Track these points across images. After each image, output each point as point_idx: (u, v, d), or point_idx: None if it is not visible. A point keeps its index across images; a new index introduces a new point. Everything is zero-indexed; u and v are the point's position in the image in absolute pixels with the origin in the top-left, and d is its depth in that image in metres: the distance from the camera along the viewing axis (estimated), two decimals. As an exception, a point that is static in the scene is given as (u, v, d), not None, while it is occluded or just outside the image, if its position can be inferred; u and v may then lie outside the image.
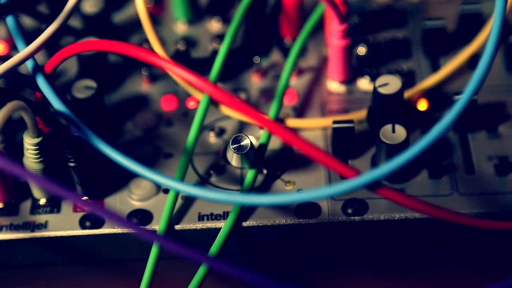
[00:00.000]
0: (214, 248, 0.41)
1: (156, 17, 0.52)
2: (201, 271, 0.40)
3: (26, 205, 0.44)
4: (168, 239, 0.38)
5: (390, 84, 0.44)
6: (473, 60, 0.48)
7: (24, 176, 0.34)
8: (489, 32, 0.37)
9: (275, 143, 0.45)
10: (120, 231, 0.43)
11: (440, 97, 0.47)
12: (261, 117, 0.37)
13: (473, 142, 0.45)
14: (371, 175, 0.35)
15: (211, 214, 0.43)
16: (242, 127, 0.47)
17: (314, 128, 0.46)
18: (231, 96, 0.38)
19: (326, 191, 0.35)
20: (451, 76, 0.47)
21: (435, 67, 0.49)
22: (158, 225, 0.42)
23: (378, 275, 0.46)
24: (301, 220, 0.42)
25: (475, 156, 0.44)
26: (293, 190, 0.44)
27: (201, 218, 0.43)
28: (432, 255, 0.45)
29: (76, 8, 0.43)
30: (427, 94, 0.47)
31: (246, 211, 0.43)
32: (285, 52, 0.50)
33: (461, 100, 0.35)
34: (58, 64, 0.41)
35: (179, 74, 0.38)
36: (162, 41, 0.48)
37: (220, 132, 0.46)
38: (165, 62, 0.38)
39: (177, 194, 0.42)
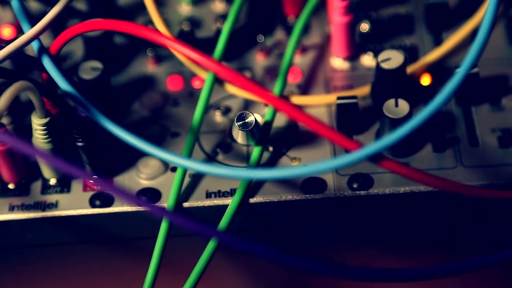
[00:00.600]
0: (222, 224, 0.41)
1: (160, -1, 0.53)
2: (210, 246, 0.40)
3: (37, 185, 0.45)
4: (178, 215, 0.38)
5: (392, 59, 0.44)
6: (475, 34, 0.48)
7: (34, 155, 0.35)
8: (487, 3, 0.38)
9: (280, 120, 0.46)
10: (130, 209, 0.43)
11: (443, 71, 0.47)
12: (266, 94, 0.38)
13: (476, 115, 0.45)
14: (374, 146, 0.35)
15: (219, 191, 0.44)
16: (247, 105, 0.47)
17: (319, 105, 0.46)
18: (236, 73, 0.38)
19: (330, 164, 0.36)
20: (453, 50, 0.48)
21: (438, 42, 0.49)
22: (166, 203, 0.43)
23: (384, 249, 0.47)
24: (307, 195, 0.43)
25: (478, 128, 0.45)
26: (299, 165, 0.44)
27: (208, 195, 0.43)
28: (436, 228, 0.46)
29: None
30: (430, 68, 0.47)
31: (252, 188, 0.43)
32: (289, 30, 0.50)
33: (460, 72, 0.36)
34: (63, 44, 0.41)
35: (183, 52, 0.39)
36: (167, 22, 0.49)
37: (226, 111, 0.47)
38: (169, 40, 0.39)
39: (184, 172, 0.43)
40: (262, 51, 0.49)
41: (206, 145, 0.46)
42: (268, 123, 0.44)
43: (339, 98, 0.44)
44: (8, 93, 0.36)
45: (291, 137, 0.45)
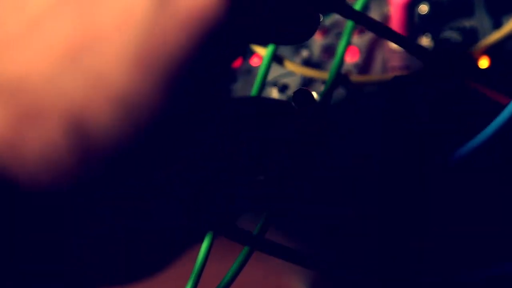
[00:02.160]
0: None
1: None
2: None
3: None
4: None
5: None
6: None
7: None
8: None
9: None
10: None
11: (502, 54, 0.47)
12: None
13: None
14: None
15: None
16: (305, 83, 0.48)
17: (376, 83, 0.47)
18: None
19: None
20: (513, 33, 0.48)
21: (497, 25, 0.49)
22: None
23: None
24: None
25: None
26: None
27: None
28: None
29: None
30: (489, 51, 0.47)
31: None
32: (348, 10, 0.50)
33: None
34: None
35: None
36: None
37: (283, 88, 0.48)
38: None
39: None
40: (320, 30, 0.50)
41: (263, 121, 0.46)
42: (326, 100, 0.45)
43: (395, 77, 0.44)
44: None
45: (346, 115, 0.46)
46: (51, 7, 0.22)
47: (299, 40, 0.28)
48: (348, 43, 0.47)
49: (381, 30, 0.33)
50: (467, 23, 0.49)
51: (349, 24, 0.48)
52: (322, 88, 0.47)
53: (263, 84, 0.45)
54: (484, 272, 0.35)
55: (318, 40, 0.50)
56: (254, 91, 0.45)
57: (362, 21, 0.33)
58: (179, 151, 0.24)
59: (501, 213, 0.46)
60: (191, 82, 0.22)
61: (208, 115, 0.25)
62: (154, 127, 0.22)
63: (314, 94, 0.44)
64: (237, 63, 0.49)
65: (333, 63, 0.47)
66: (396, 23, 0.48)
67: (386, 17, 0.50)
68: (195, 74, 0.22)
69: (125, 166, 0.22)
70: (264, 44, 0.43)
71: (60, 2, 0.22)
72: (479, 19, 0.49)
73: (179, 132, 0.23)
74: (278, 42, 0.30)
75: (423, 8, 0.50)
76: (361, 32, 0.49)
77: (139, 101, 0.21)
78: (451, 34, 0.45)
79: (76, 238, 0.23)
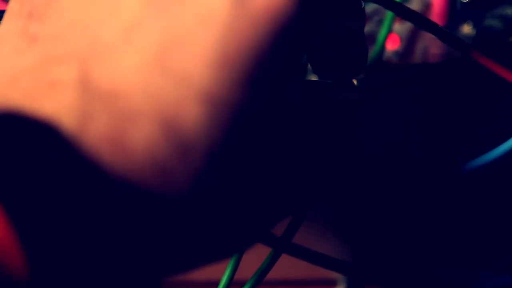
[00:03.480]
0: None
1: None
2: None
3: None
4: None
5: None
6: None
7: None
8: None
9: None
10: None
11: (544, 42, 0.47)
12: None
13: None
14: None
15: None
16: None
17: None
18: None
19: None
20: (556, 21, 0.47)
21: (541, 12, 0.48)
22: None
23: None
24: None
25: None
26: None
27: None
28: None
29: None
30: (531, 39, 0.47)
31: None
32: (389, -3, 0.50)
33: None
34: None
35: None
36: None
37: (324, 75, 0.48)
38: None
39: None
40: (361, 17, 0.50)
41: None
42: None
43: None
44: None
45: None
46: (141, 13, 0.23)
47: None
48: (389, 31, 0.48)
49: (419, 21, 0.34)
50: (509, 10, 0.49)
51: (390, 12, 0.48)
52: (361, 75, 0.47)
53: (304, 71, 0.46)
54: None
55: (359, 27, 0.50)
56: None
57: (400, 11, 0.34)
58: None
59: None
60: (269, 78, 0.23)
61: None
62: (241, 122, 0.23)
63: (354, 81, 0.44)
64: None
65: (373, 51, 0.47)
66: (437, 11, 0.48)
67: (428, 5, 0.50)
68: (272, 70, 0.23)
69: (222, 163, 0.23)
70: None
71: (147, 6, 0.23)
72: (522, 7, 0.49)
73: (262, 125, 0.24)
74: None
75: (465, -5, 0.50)
76: (402, 20, 0.50)
77: (225, 98, 0.23)
78: (492, 22, 0.45)
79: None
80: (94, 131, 0.22)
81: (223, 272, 0.34)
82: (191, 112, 0.22)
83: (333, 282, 0.50)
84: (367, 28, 0.50)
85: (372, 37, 0.49)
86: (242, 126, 0.23)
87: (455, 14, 0.48)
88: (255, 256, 0.37)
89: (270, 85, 0.23)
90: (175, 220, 0.23)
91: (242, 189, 0.24)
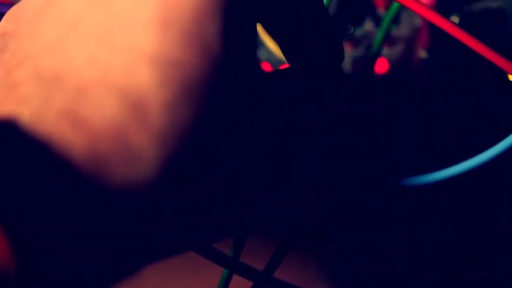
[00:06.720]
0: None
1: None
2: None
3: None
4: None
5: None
6: None
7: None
8: None
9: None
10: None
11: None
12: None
13: None
14: None
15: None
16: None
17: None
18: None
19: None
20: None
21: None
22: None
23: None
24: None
25: None
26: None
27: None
28: None
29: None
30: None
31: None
32: (378, 21, 0.50)
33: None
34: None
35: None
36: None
37: (312, 99, 0.48)
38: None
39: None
40: (350, 41, 0.50)
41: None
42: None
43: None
44: None
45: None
46: (84, 7, 0.25)
47: None
48: (378, 55, 0.47)
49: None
50: (494, 4, 0.49)
51: (379, 35, 0.48)
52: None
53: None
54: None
55: (348, 52, 0.50)
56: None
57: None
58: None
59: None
60: (211, 35, 0.24)
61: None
62: (191, 79, 0.24)
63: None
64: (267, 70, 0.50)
65: (363, 73, 0.47)
66: (426, 34, 0.48)
67: (417, 29, 0.50)
68: (212, 27, 0.24)
69: (178, 119, 0.24)
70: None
71: (88, 1, 0.25)
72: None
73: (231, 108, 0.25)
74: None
75: (454, 19, 0.49)
76: (391, 44, 0.49)
77: (172, 57, 0.24)
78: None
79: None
80: (54, 110, 0.24)
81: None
82: (141, 75, 0.23)
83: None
84: (356, 53, 0.50)
85: (361, 61, 0.49)
86: (192, 83, 0.24)
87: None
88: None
89: (212, 42, 0.24)
90: (143, 194, 0.24)
91: (204, 149, 0.24)
